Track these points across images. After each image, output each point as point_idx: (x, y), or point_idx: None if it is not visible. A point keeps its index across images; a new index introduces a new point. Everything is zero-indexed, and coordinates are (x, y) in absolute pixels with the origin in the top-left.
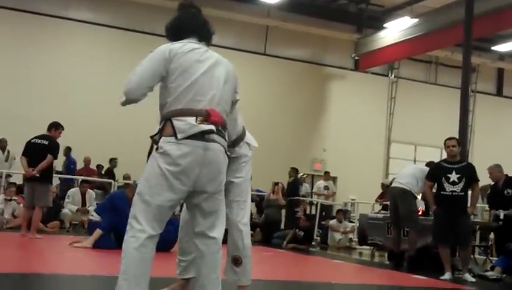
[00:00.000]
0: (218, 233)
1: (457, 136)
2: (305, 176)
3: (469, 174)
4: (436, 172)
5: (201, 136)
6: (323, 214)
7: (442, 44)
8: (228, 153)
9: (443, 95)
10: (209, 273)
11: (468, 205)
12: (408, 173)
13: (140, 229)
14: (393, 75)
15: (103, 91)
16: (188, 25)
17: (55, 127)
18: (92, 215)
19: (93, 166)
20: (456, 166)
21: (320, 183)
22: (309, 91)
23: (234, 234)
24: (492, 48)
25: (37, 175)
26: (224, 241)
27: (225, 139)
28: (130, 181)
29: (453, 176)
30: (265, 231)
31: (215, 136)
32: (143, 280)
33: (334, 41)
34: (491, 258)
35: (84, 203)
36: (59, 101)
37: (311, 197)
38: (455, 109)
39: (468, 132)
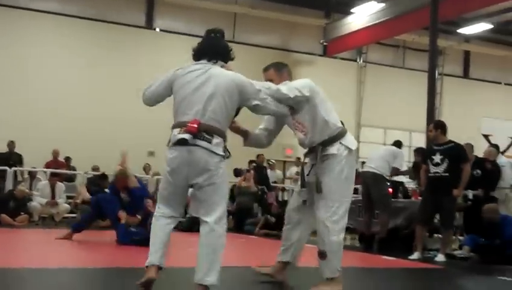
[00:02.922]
0: (211, 218)
1: (425, 119)
2: (272, 162)
3: (453, 155)
4: (425, 155)
5: (185, 142)
6: None
7: (409, 28)
8: (216, 152)
9: (411, 78)
10: (201, 250)
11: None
12: (378, 156)
13: (158, 210)
14: (361, 60)
15: (70, 82)
16: (201, 49)
17: None
18: None
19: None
20: (440, 147)
21: (293, 170)
22: None
23: (320, 230)
24: (458, 31)
25: None
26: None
27: (209, 142)
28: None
29: (437, 158)
30: (238, 218)
31: (196, 141)
32: (158, 242)
33: (302, 27)
34: (459, 238)
35: (53, 196)
36: (24, 95)
37: (283, 184)
38: (423, 91)
39: (435, 114)
